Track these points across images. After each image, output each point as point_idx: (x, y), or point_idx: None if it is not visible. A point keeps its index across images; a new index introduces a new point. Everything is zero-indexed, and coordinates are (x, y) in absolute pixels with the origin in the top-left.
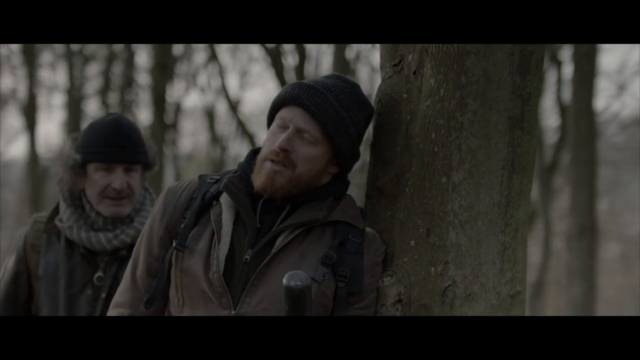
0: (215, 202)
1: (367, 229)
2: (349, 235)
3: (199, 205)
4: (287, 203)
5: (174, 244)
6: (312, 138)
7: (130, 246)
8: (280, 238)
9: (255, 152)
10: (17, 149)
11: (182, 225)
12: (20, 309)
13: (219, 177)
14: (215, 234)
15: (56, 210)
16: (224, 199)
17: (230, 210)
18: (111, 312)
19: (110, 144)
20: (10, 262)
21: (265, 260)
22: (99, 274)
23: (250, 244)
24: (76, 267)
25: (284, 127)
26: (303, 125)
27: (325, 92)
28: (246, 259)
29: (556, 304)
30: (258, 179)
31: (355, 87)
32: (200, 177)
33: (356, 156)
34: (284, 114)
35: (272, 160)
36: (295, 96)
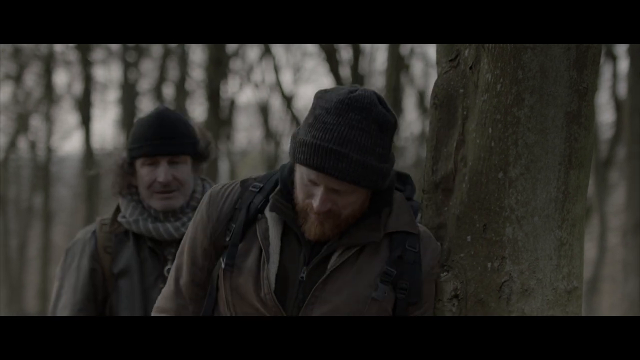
0: (260, 215)
1: (421, 229)
2: (406, 245)
3: (244, 219)
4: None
5: (223, 265)
6: (347, 190)
7: None
8: (335, 255)
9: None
10: (72, 144)
11: (228, 239)
12: (99, 308)
13: (262, 185)
14: (264, 252)
15: (118, 210)
16: (270, 213)
17: (277, 227)
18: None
19: (153, 137)
20: (83, 263)
21: (322, 278)
22: (169, 266)
23: (305, 261)
24: (146, 261)
25: (314, 183)
26: (335, 187)
27: (347, 152)
28: (302, 277)
29: (611, 300)
30: (307, 230)
31: (372, 111)
32: (242, 183)
33: (389, 176)
34: (310, 175)
35: (316, 217)
36: (318, 166)
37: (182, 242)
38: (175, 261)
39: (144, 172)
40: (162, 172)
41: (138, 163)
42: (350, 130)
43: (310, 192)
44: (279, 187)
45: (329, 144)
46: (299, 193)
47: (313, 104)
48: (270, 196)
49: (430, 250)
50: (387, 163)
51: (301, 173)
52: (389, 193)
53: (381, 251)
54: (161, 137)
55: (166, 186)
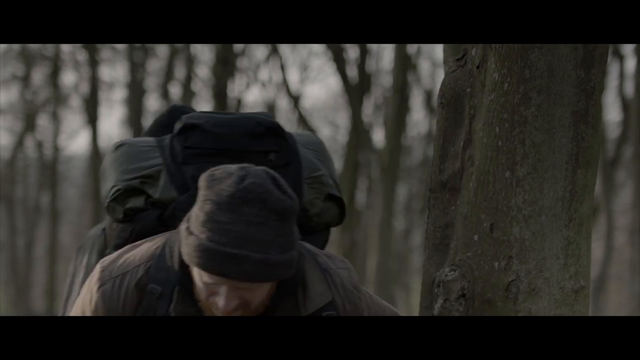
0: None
1: (334, 281)
2: (324, 313)
3: None
4: None
5: None
6: (253, 286)
7: None
8: None
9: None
10: (79, 144)
11: None
12: None
13: (161, 289)
14: None
15: None
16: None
17: None
18: None
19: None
20: (92, 259)
21: None
22: None
23: None
24: None
25: (216, 283)
26: (239, 286)
27: (247, 253)
28: None
29: (618, 299)
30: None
31: (268, 200)
32: (137, 284)
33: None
34: (212, 279)
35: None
36: (219, 271)
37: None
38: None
39: None
40: None
41: None
42: (248, 227)
43: (213, 290)
44: (178, 289)
45: (227, 247)
46: (201, 293)
47: (201, 194)
48: (172, 307)
49: (344, 292)
50: (291, 251)
51: (200, 274)
52: (298, 270)
53: None
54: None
55: None
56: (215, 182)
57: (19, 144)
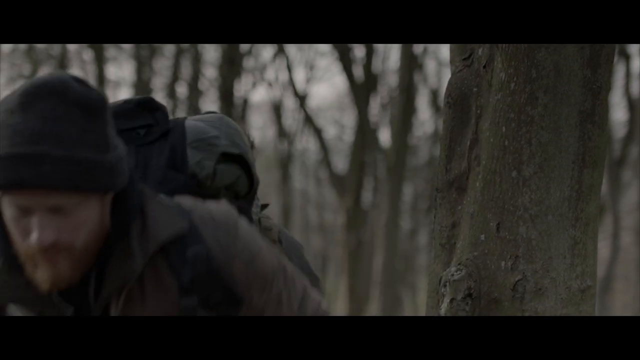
0: None
1: (197, 215)
2: (189, 254)
3: None
4: (90, 271)
5: None
6: (69, 205)
7: None
8: (113, 307)
9: None
10: None
11: None
12: None
13: None
14: None
15: None
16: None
17: (23, 312)
18: None
19: None
20: None
21: None
22: None
23: None
24: None
25: (27, 212)
26: (49, 203)
27: (44, 149)
28: None
29: (624, 298)
30: (40, 281)
31: (68, 93)
32: None
33: (123, 171)
34: (17, 201)
35: (43, 256)
36: (14, 181)
37: None
38: None
39: None
40: None
41: None
42: (44, 123)
43: (27, 227)
44: (1, 262)
45: (19, 148)
46: (17, 237)
47: None
48: None
49: (224, 240)
50: (109, 153)
51: (5, 206)
52: (131, 196)
53: (163, 278)
54: None
55: None
56: (9, 95)
57: None
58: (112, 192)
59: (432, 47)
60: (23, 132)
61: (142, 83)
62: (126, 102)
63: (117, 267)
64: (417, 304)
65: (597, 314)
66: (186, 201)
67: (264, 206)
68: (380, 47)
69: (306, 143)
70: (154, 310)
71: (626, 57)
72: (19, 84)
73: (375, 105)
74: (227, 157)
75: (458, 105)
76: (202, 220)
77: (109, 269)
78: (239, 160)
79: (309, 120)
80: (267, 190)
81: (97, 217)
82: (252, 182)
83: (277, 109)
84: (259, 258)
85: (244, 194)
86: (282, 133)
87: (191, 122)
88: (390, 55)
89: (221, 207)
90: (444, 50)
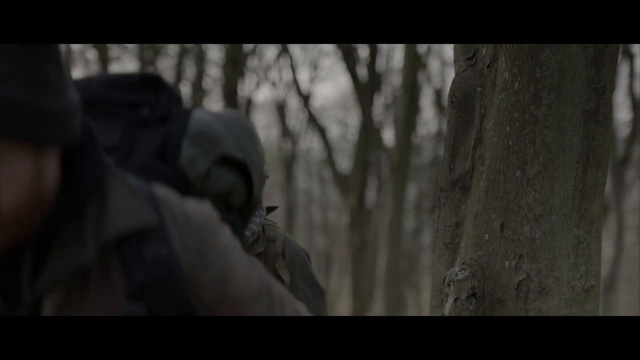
0: None
1: (169, 210)
2: (146, 253)
3: None
4: (24, 249)
5: None
6: None
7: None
8: (48, 303)
9: None
10: None
11: None
12: None
13: None
14: None
15: None
16: None
17: None
18: None
19: None
20: None
21: None
22: None
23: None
24: None
25: None
26: None
27: None
28: None
29: (628, 298)
30: None
31: None
32: None
33: (70, 125)
34: None
35: None
36: None
37: None
38: None
39: None
40: None
41: None
42: None
43: None
44: None
45: None
46: None
47: None
48: None
49: (191, 236)
50: (46, 95)
51: None
52: (90, 164)
53: (112, 277)
54: None
55: None
56: None
57: None
58: (48, 144)
59: (436, 46)
60: None
61: None
62: (129, 74)
63: (62, 252)
64: (420, 303)
65: (600, 313)
66: (160, 191)
67: (270, 209)
68: (384, 47)
69: (310, 142)
70: (94, 313)
71: (630, 57)
72: None
73: (379, 105)
74: (227, 161)
75: (462, 105)
76: (173, 216)
77: (50, 253)
78: (241, 168)
79: (312, 119)
80: (270, 190)
81: (27, 175)
82: (250, 196)
83: (280, 108)
84: (236, 275)
85: (238, 209)
86: (286, 133)
87: (200, 113)
88: (394, 54)
89: (201, 208)
90: (448, 50)
